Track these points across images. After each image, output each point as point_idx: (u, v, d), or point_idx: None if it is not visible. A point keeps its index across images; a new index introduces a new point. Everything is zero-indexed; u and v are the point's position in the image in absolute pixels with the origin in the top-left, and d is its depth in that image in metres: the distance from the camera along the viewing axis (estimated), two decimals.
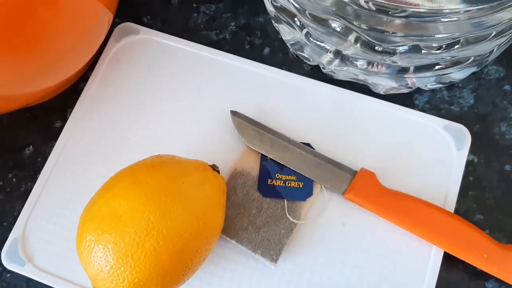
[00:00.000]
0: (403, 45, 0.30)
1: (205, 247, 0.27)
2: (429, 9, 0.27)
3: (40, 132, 0.36)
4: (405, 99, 0.35)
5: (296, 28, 0.33)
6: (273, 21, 0.37)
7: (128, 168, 0.28)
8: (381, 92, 0.35)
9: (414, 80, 0.35)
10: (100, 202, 0.27)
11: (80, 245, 0.26)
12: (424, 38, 0.29)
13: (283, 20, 0.34)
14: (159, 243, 0.25)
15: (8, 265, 0.32)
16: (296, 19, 0.33)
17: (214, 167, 0.29)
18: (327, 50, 0.33)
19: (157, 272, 0.25)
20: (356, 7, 0.28)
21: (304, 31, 0.33)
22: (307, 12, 0.31)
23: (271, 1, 0.34)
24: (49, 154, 0.35)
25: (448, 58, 0.32)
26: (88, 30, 0.31)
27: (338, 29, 0.30)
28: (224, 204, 0.29)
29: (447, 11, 0.27)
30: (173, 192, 0.26)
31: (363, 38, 0.30)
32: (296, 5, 0.31)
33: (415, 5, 0.27)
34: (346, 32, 0.30)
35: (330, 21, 0.30)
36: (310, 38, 0.33)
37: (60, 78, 0.32)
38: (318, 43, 0.33)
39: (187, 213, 0.26)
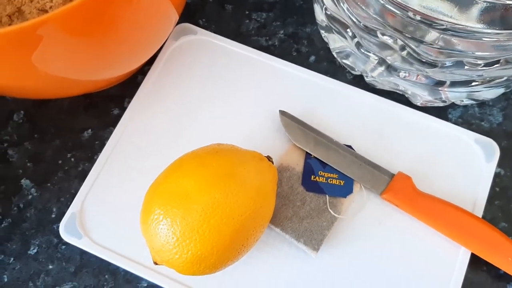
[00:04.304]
0: (448, 60, 0.33)
1: (258, 229, 0.30)
2: (463, 26, 0.30)
3: (99, 118, 0.38)
4: (440, 113, 0.38)
5: (347, 38, 0.36)
6: (321, 30, 0.40)
7: (193, 152, 0.31)
8: (419, 104, 0.38)
9: (448, 94, 0.38)
10: (168, 180, 0.29)
11: (147, 218, 0.29)
12: (463, 54, 0.32)
13: (334, 30, 0.37)
14: (222, 220, 0.28)
15: (66, 237, 0.34)
16: (348, 30, 0.36)
17: (269, 158, 0.32)
18: (373, 59, 0.36)
19: (218, 247, 0.28)
20: (402, 16, 0.30)
21: (355, 40, 0.36)
22: (361, 24, 0.34)
23: (324, 11, 0.37)
24: (106, 138, 0.38)
25: (485, 76, 0.35)
26: (158, 26, 0.34)
27: (389, 41, 0.33)
28: (275, 192, 0.31)
29: (488, 31, 0.30)
30: (235, 176, 0.29)
31: (411, 50, 0.33)
32: (352, 17, 0.34)
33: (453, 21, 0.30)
34: (396, 44, 0.33)
35: (381, 33, 0.33)
36: (360, 48, 0.36)
37: (128, 68, 0.35)
38: (366, 52, 0.36)
39: (246, 196, 0.29)
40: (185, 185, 0.28)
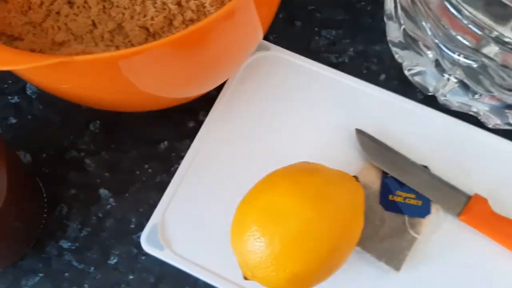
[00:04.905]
0: None
1: (349, 249, 0.30)
2: None
3: (174, 130, 0.39)
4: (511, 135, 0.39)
5: (424, 55, 0.37)
6: (393, 47, 0.40)
7: (284, 170, 0.31)
8: (491, 126, 0.38)
9: None
10: (263, 197, 0.30)
11: (241, 234, 0.29)
12: None
13: (411, 48, 0.38)
14: (319, 239, 0.28)
15: (148, 249, 0.34)
16: (429, 51, 0.36)
17: (356, 178, 0.32)
18: (449, 77, 0.36)
19: (315, 266, 0.28)
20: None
21: (433, 58, 0.36)
22: (442, 44, 0.34)
23: (402, 30, 0.37)
24: (182, 150, 0.38)
25: None
26: (247, 46, 0.34)
27: (474, 66, 0.34)
28: (364, 212, 0.32)
29: None
30: (329, 196, 0.29)
31: (495, 73, 0.34)
32: (433, 37, 0.35)
33: None
34: (481, 68, 0.33)
35: (459, 53, 0.34)
36: (438, 66, 0.36)
37: (213, 85, 0.36)
38: (442, 71, 0.36)
39: (340, 216, 0.29)
40: (281, 203, 0.29)
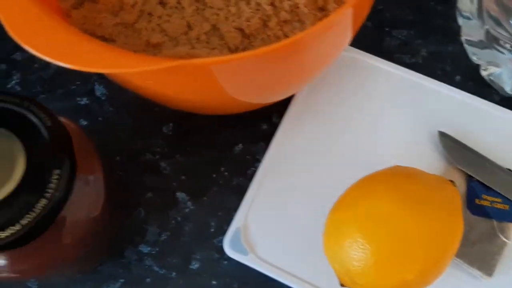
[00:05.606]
0: None
1: (451, 254, 0.29)
2: None
3: (247, 132, 0.38)
4: None
5: (507, 54, 0.36)
6: (469, 46, 0.39)
7: (379, 175, 0.31)
8: None
9: None
10: (363, 203, 0.29)
11: (342, 241, 0.28)
12: None
13: (493, 47, 0.37)
14: (425, 246, 0.27)
15: (231, 254, 0.34)
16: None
17: (453, 183, 0.31)
18: None
19: (421, 273, 0.27)
20: None
21: None
22: None
23: (485, 30, 0.37)
24: (257, 153, 0.38)
25: None
26: (337, 52, 0.33)
27: None
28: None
29: None
30: (433, 201, 0.29)
31: None
32: None
33: None
34: None
35: None
36: None
37: (296, 91, 0.35)
38: None
39: (444, 222, 0.28)
40: (385, 210, 0.28)
